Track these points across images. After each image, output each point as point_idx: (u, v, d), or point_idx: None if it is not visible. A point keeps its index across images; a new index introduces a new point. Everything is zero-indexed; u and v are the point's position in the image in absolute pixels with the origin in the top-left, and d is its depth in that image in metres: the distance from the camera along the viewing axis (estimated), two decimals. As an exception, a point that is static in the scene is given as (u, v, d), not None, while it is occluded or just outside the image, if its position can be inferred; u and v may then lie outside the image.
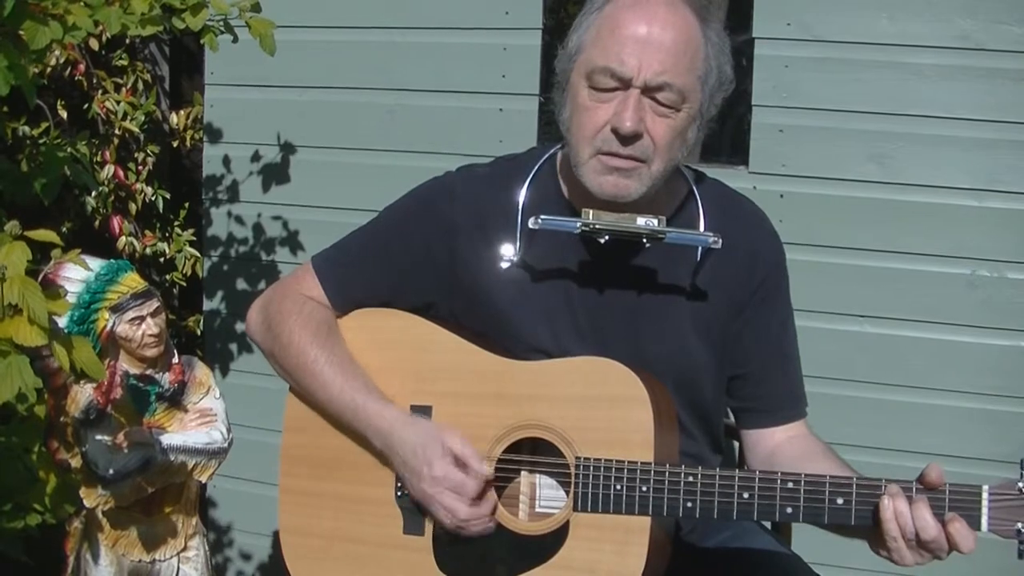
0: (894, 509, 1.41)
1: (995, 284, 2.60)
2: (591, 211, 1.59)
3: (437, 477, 1.59)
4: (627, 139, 1.54)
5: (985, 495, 1.41)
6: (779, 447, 1.74)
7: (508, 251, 1.70)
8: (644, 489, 1.53)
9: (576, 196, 1.70)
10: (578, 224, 1.59)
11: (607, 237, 1.60)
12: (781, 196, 2.68)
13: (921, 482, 1.44)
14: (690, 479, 1.52)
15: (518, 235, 1.70)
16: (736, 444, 2.05)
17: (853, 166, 2.66)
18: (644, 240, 1.60)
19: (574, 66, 1.60)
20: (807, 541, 1.84)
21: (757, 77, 2.70)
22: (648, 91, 1.54)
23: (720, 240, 1.59)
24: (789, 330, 1.78)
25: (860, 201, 2.66)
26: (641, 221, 1.58)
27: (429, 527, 1.67)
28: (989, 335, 2.61)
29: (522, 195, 1.72)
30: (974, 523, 1.41)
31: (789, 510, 1.48)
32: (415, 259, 1.75)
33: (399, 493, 1.69)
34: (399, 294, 1.77)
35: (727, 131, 3.23)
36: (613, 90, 1.55)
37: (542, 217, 1.61)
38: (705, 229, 1.66)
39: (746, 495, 1.50)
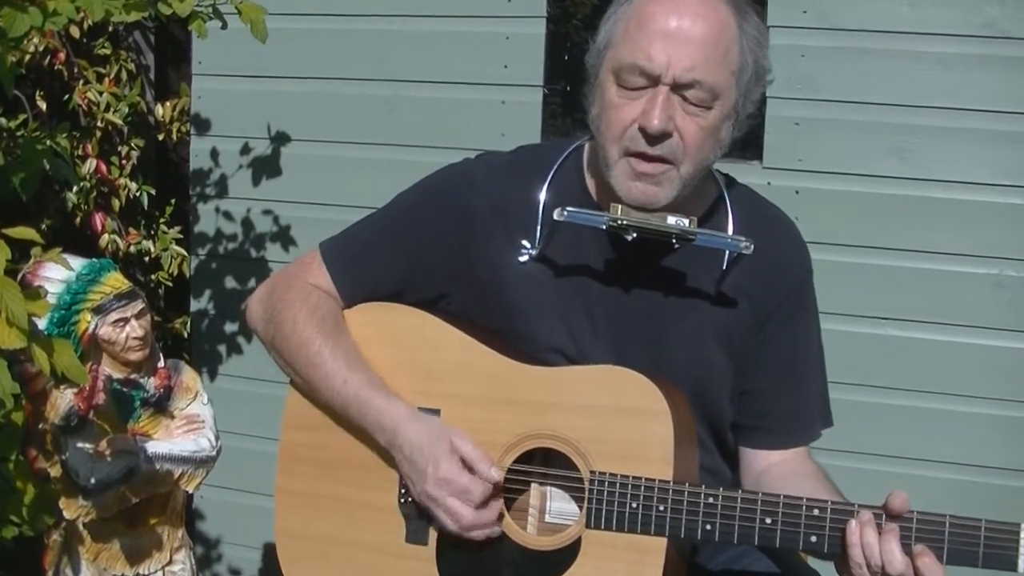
0: (860, 537, 1.41)
1: (1023, 285, 2.58)
2: (620, 206, 1.58)
3: (442, 478, 1.58)
4: (654, 138, 1.53)
5: (1023, 534, 1.39)
6: (771, 466, 1.73)
7: (527, 244, 1.69)
8: (661, 508, 1.51)
9: (602, 193, 1.68)
10: (605, 219, 1.58)
11: (634, 235, 1.58)
12: (796, 192, 2.67)
13: (885, 510, 1.43)
14: (710, 500, 1.50)
15: (538, 228, 1.69)
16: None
17: (872, 161, 2.65)
18: (673, 240, 1.58)
19: (603, 62, 1.59)
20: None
21: (772, 67, 2.68)
22: (677, 88, 1.52)
23: (752, 245, 1.57)
24: (809, 350, 1.75)
25: (880, 198, 2.65)
26: (672, 220, 1.56)
27: (433, 536, 1.66)
28: (1017, 338, 2.60)
29: (544, 188, 1.71)
30: (1010, 563, 1.40)
31: (814, 538, 1.47)
32: (429, 247, 1.74)
33: (402, 499, 1.68)
34: (411, 284, 1.75)
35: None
36: (642, 88, 1.54)
37: (568, 209, 1.60)
38: (735, 235, 1.64)
39: (769, 520, 1.48)
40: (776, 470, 1.71)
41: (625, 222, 1.57)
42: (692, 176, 1.58)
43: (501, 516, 1.59)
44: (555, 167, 1.72)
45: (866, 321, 2.67)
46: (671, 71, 1.51)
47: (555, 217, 1.60)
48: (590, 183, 1.71)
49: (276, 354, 1.79)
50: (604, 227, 1.59)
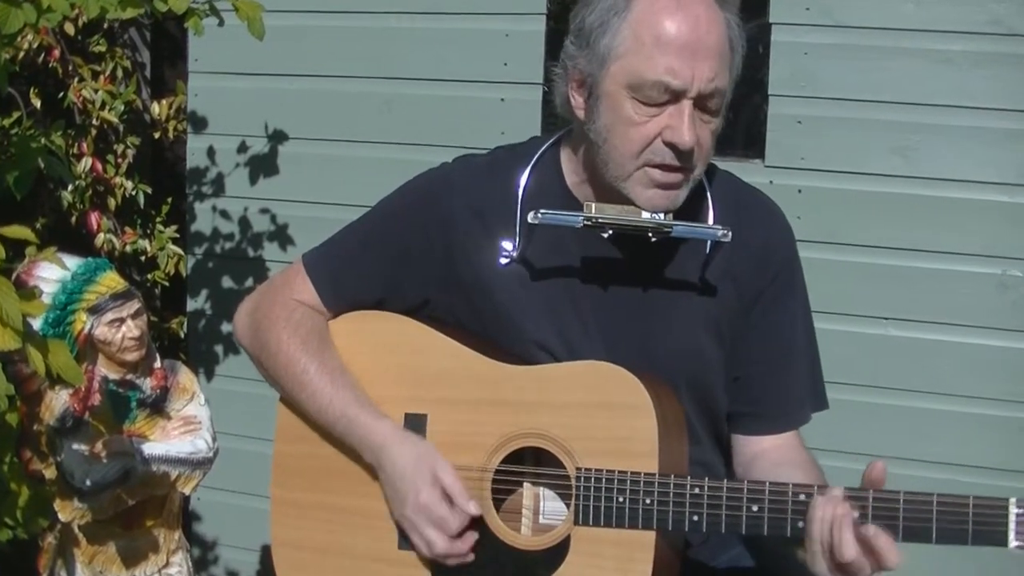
0: (822, 513, 1.42)
1: (1027, 284, 2.59)
2: (593, 204, 1.60)
3: (422, 505, 1.62)
4: (685, 154, 1.55)
5: (1013, 508, 1.40)
6: (763, 453, 1.74)
7: (507, 246, 1.71)
8: (648, 502, 1.53)
9: (581, 189, 1.70)
10: (580, 218, 1.60)
11: (611, 232, 1.60)
12: (799, 191, 2.68)
13: (866, 482, 1.45)
14: (696, 491, 1.52)
15: (517, 229, 1.70)
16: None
17: (876, 159, 2.66)
18: (649, 234, 1.60)
19: (607, 73, 1.57)
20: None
21: (774, 65, 2.70)
22: (699, 99, 1.55)
23: (729, 233, 1.60)
24: (797, 332, 1.77)
25: (883, 196, 2.66)
26: (647, 214, 1.58)
27: None
28: (1021, 339, 2.60)
29: (521, 187, 1.72)
30: (999, 539, 1.40)
31: (801, 524, 1.48)
32: (412, 253, 1.75)
33: (393, 507, 1.69)
34: (395, 291, 1.77)
35: (741, 122, 3.21)
36: (664, 103, 1.55)
37: (542, 212, 1.62)
38: (715, 222, 1.67)
39: (755, 508, 1.50)
40: (766, 458, 1.73)
41: (601, 219, 1.59)
42: (700, 176, 1.63)
43: (475, 549, 1.62)
44: (531, 165, 1.73)
45: (868, 321, 2.68)
46: (696, 84, 1.52)
47: (529, 220, 1.62)
48: (569, 179, 1.73)
49: (264, 371, 1.82)
50: (580, 226, 1.60)
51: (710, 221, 1.68)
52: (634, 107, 1.56)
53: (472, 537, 1.62)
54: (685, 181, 1.59)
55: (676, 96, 1.53)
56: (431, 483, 1.62)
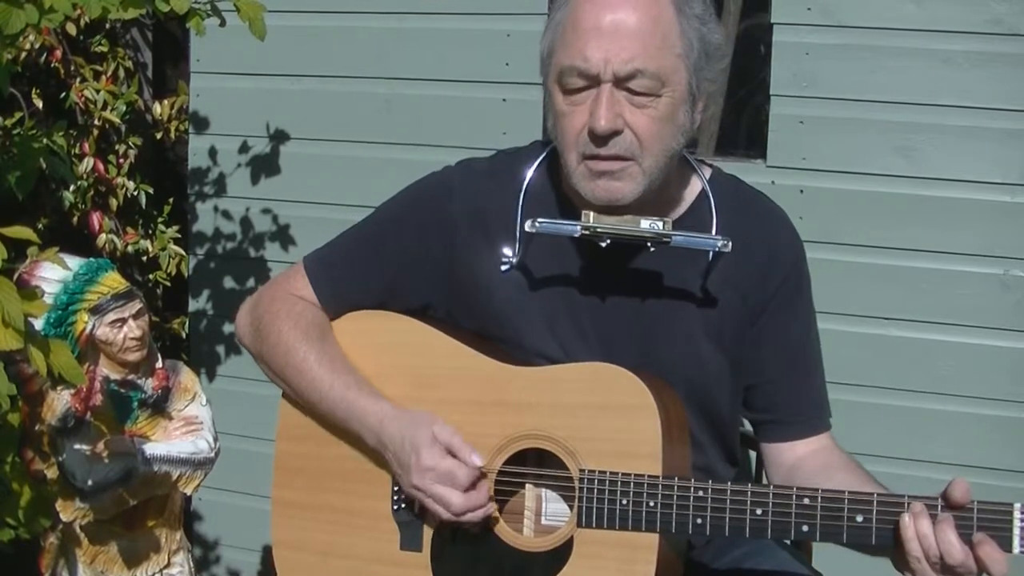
0: (915, 529, 1.41)
1: (1029, 285, 2.59)
2: (592, 213, 1.59)
3: (426, 466, 1.60)
4: (603, 138, 1.54)
5: (1017, 513, 1.40)
6: (801, 461, 1.73)
7: (508, 252, 1.70)
8: (651, 504, 1.53)
9: (577, 195, 1.69)
10: (578, 228, 1.59)
11: (608, 241, 1.59)
12: (801, 191, 2.67)
13: (945, 500, 1.43)
14: (700, 494, 1.52)
15: (517, 236, 1.70)
16: (752, 455, 2.04)
17: (877, 159, 2.65)
18: (648, 244, 1.59)
19: (549, 71, 1.61)
20: (829, 558, 1.83)
21: (776, 65, 2.69)
22: (620, 82, 1.53)
23: (729, 244, 1.58)
24: (811, 336, 1.77)
25: (885, 196, 2.65)
26: (645, 224, 1.57)
27: (427, 543, 1.68)
28: (1023, 339, 2.59)
29: (521, 192, 1.72)
30: (1004, 544, 1.40)
31: (805, 528, 1.48)
32: (412, 257, 1.75)
33: (395, 507, 1.69)
34: (395, 294, 1.77)
35: (744, 122, 3.21)
36: (584, 89, 1.55)
37: (539, 221, 1.62)
38: (718, 230, 1.66)
39: (759, 511, 1.49)
40: (807, 464, 1.71)
41: (598, 229, 1.58)
42: (657, 167, 1.59)
43: (490, 498, 1.61)
44: (532, 170, 1.73)
45: (870, 321, 2.68)
46: (609, 66, 1.52)
47: (527, 229, 1.62)
48: (565, 184, 1.72)
49: (264, 366, 1.82)
50: (577, 235, 1.60)
51: (713, 228, 1.66)
52: (563, 99, 1.57)
53: (485, 488, 1.60)
54: (628, 172, 1.57)
55: (594, 81, 1.53)
56: (430, 443, 1.60)
